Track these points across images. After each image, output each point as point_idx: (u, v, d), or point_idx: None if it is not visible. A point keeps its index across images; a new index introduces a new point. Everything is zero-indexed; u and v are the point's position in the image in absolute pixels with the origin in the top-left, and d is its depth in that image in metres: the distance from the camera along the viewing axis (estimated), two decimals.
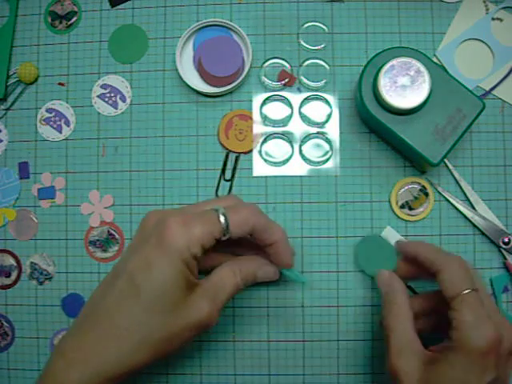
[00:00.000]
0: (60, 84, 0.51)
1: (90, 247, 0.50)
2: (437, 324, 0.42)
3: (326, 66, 0.50)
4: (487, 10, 0.50)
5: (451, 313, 0.37)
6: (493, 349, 0.35)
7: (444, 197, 0.48)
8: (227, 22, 0.49)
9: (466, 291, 0.37)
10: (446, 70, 0.45)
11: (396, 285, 0.42)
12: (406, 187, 0.48)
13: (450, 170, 0.48)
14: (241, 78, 0.49)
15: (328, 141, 0.49)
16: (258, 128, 0.49)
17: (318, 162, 0.49)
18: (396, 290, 0.41)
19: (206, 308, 0.37)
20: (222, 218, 0.37)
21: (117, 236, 0.50)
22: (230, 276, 0.39)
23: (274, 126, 0.49)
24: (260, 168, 0.49)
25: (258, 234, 0.39)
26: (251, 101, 0.50)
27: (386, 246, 0.47)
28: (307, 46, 0.50)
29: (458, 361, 0.35)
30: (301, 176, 0.49)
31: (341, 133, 0.49)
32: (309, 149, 0.49)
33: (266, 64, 0.50)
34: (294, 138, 0.49)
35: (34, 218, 0.50)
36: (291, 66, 0.50)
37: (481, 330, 0.35)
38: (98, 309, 0.36)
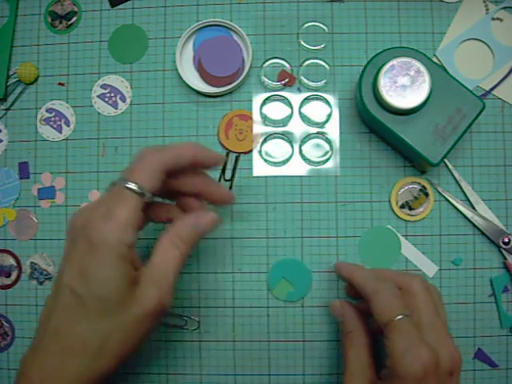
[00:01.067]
0: (60, 84, 0.51)
1: None
2: None
3: (326, 66, 0.50)
4: (487, 10, 0.50)
5: (385, 340, 0.36)
6: (428, 373, 0.34)
7: (444, 197, 0.48)
8: (227, 22, 0.49)
9: (397, 318, 0.36)
10: (446, 70, 0.45)
11: (348, 313, 0.42)
12: (406, 187, 0.48)
13: (450, 170, 0.48)
14: (241, 78, 0.49)
15: (328, 141, 0.49)
16: (258, 128, 0.49)
17: (318, 162, 0.49)
18: (348, 319, 0.42)
19: (156, 295, 0.35)
20: (131, 185, 0.34)
21: None
22: (172, 251, 0.36)
23: (274, 126, 0.49)
24: (260, 168, 0.49)
25: (175, 169, 0.37)
26: (251, 101, 0.50)
27: (391, 238, 0.47)
28: (307, 46, 0.50)
29: None
30: (301, 176, 0.49)
31: (341, 133, 0.49)
32: (309, 149, 0.49)
33: (266, 64, 0.50)
34: (294, 138, 0.49)
35: (34, 218, 0.50)
36: (291, 66, 0.50)
37: (412, 356, 0.34)
38: (50, 327, 0.34)
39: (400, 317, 0.36)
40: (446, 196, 0.48)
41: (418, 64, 0.43)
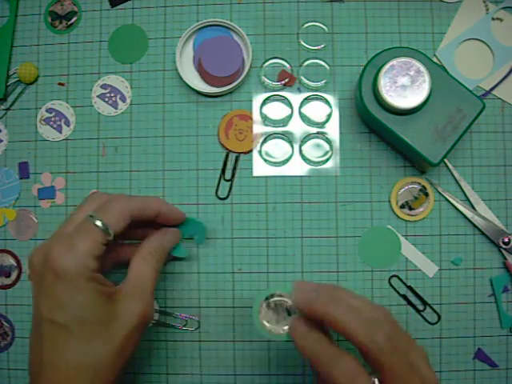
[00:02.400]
0: (60, 84, 0.51)
1: None
2: None
3: (326, 66, 0.50)
4: (487, 10, 0.50)
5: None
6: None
7: (444, 197, 0.48)
8: (227, 22, 0.49)
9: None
10: (446, 70, 0.45)
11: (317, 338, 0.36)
12: (406, 187, 0.48)
13: (450, 170, 0.48)
14: (241, 78, 0.49)
15: (328, 141, 0.49)
16: (258, 128, 0.49)
17: (318, 162, 0.49)
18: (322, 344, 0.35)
19: (138, 308, 0.37)
20: (98, 223, 0.37)
21: None
22: (145, 266, 0.40)
23: (273, 126, 0.49)
24: (260, 168, 0.49)
25: (140, 217, 0.40)
26: (251, 101, 0.50)
27: (391, 238, 0.47)
28: (307, 46, 0.50)
29: None
30: (301, 176, 0.49)
31: (341, 133, 0.49)
32: (309, 149, 0.49)
33: (266, 64, 0.50)
34: (294, 138, 0.49)
35: (34, 218, 0.50)
36: (291, 66, 0.50)
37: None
38: (44, 362, 0.35)
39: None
40: (446, 196, 0.48)
41: (418, 64, 0.43)
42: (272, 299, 0.38)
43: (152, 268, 0.40)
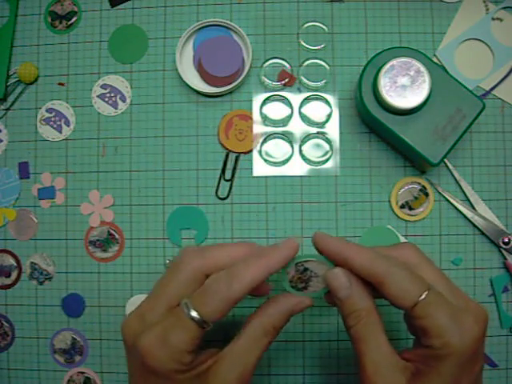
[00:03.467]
0: (60, 84, 0.51)
1: (89, 247, 0.50)
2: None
3: (326, 66, 0.50)
4: (487, 10, 0.50)
5: (418, 321, 0.31)
6: (483, 336, 0.31)
7: (444, 197, 0.48)
8: (227, 22, 0.49)
9: (424, 294, 0.31)
10: (446, 70, 0.45)
11: (356, 285, 0.33)
12: (406, 187, 0.48)
13: (450, 170, 0.48)
14: (241, 78, 0.49)
15: (328, 141, 0.49)
16: (258, 128, 0.49)
17: (318, 162, 0.49)
18: (359, 293, 0.33)
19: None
20: (193, 314, 0.32)
21: (117, 236, 0.50)
22: (261, 337, 0.34)
23: (273, 126, 0.49)
24: (260, 168, 0.49)
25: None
26: (251, 101, 0.50)
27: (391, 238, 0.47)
28: (307, 46, 0.50)
29: (449, 367, 0.31)
30: (301, 176, 0.49)
31: (341, 133, 0.49)
32: (309, 149, 0.49)
33: (266, 64, 0.50)
34: (294, 138, 0.49)
35: (34, 218, 0.50)
36: (291, 66, 0.50)
37: (461, 326, 0.31)
38: None
39: (426, 292, 0.31)
40: (446, 196, 0.48)
41: (418, 64, 0.43)
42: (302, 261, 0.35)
43: (267, 343, 0.34)
